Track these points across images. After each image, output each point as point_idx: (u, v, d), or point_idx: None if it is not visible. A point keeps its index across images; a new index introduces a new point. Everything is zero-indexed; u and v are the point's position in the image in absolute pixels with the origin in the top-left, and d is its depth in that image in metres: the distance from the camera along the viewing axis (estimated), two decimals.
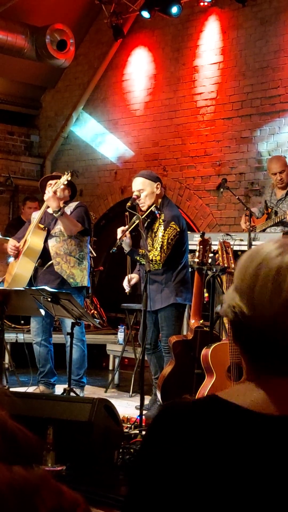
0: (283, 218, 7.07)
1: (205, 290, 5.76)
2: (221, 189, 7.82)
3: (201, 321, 5.54)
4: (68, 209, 6.38)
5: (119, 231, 5.70)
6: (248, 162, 8.81)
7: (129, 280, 6.02)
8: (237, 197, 7.69)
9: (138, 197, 5.84)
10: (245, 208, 7.39)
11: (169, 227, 5.75)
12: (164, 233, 5.74)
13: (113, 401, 4.71)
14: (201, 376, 5.06)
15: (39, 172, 11.52)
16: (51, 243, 6.34)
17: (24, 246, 6.33)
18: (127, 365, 7.94)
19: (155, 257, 5.69)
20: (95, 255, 8.84)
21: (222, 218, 9.04)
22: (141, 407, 5.22)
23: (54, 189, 6.23)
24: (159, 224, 5.81)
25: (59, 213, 6.14)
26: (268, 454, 1.22)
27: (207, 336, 5.41)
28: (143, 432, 4.82)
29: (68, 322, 5.87)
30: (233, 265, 5.14)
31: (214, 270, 5.63)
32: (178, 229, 5.79)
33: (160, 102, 9.91)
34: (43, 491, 0.85)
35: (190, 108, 9.48)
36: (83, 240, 6.44)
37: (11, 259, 6.65)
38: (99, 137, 10.81)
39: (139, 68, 10.23)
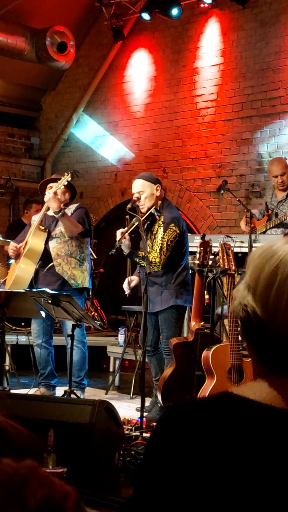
0: (283, 219, 7.07)
1: (205, 292, 5.76)
2: (222, 191, 7.83)
3: (201, 323, 5.54)
4: (68, 211, 6.39)
5: (118, 233, 5.71)
6: (249, 163, 8.81)
7: (129, 282, 6.02)
8: (237, 198, 7.69)
9: (138, 199, 5.84)
10: (245, 210, 7.39)
11: (169, 229, 5.75)
12: (163, 235, 5.74)
13: (114, 403, 4.71)
14: (202, 378, 5.06)
15: (39, 174, 11.53)
16: (52, 244, 6.35)
17: (25, 248, 6.34)
18: (128, 367, 7.94)
19: (155, 259, 5.69)
20: (95, 257, 8.84)
21: (223, 220, 9.04)
22: (142, 409, 5.22)
23: (55, 189, 6.24)
24: (159, 226, 5.81)
25: (59, 214, 6.14)
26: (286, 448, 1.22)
27: (208, 338, 5.41)
28: (144, 434, 4.81)
29: (69, 324, 5.88)
30: (233, 267, 5.14)
31: (215, 272, 5.64)
32: (178, 231, 5.79)
33: (160, 104, 9.91)
34: (32, 482, 0.84)
35: (190, 110, 9.49)
36: (84, 241, 6.45)
37: (12, 261, 6.66)
38: (99, 139, 10.82)
39: (139, 70, 10.23)
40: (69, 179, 6.24)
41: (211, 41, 9.27)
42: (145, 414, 5.40)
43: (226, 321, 5.87)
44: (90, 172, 10.92)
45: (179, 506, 1.21)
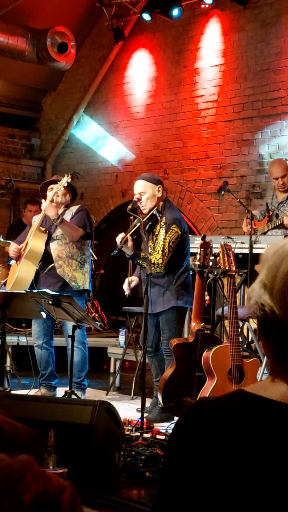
0: (282, 221, 7.06)
1: (206, 293, 5.76)
2: (222, 192, 7.82)
3: (202, 324, 5.53)
4: (70, 213, 6.39)
5: (118, 238, 5.70)
6: (249, 164, 8.81)
7: (129, 283, 6.02)
8: (238, 199, 7.68)
9: (140, 200, 5.83)
10: (246, 211, 7.38)
11: (171, 230, 5.74)
12: (165, 236, 5.74)
13: (114, 403, 4.71)
14: (202, 379, 5.06)
15: (40, 175, 11.53)
16: (53, 246, 6.35)
17: (25, 249, 6.34)
18: (128, 368, 7.94)
19: (157, 260, 5.68)
20: (96, 258, 8.84)
21: (223, 221, 9.04)
22: (142, 409, 5.21)
23: (55, 190, 6.24)
24: (161, 227, 5.81)
25: (58, 221, 6.15)
26: None
27: (208, 339, 5.41)
28: (144, 435, 4.81)
29: (70, 325, 5.88)
30: (234, 268, 5.14)
31: (215, 273, 5.63)
32: (180, 232, 5.78)
33: (161, 104, 9.91)
34: (27, 477, 0.84)
35: (191, 110, 9.49)
36: (85, 243, 6.45)
37: (12, 262, 6.66)
38: (100, 140, 10.82)
39: (140, 70, 10.24)
40: (69, 180, 6.24)
41: (212, 42, 9.27)
42: (145, 414, 5.39)
43: (226, 322, 5.87)
44: (90, 173, 10.93)
45: (205, 499, 1.22)
